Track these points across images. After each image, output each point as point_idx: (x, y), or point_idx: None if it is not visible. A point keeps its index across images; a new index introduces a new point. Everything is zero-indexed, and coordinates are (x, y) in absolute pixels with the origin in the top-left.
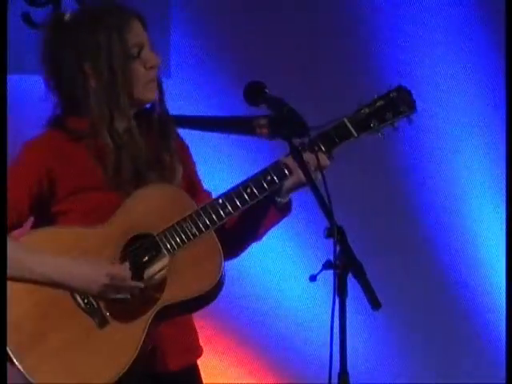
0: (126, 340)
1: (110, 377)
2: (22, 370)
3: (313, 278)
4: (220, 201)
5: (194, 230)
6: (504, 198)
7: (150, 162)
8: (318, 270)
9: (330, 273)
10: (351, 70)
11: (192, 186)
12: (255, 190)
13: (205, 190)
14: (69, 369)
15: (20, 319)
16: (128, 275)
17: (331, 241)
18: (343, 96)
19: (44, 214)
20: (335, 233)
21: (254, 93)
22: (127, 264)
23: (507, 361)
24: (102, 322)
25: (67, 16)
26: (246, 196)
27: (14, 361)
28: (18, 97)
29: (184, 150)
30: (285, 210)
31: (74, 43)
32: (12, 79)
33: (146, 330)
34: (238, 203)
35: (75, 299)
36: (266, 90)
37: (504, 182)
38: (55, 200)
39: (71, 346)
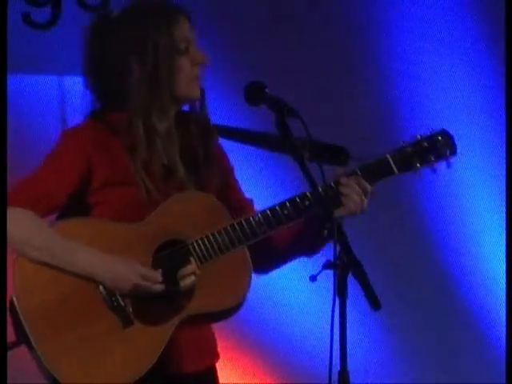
0: (148, 344)
1: (128, 378)
2: (40, 356)
3: (313, 278)
4: (257, 218)
5: (228, 243)
6: (504, 199)
7: (184, 164)
8: (318, 270)
9: (330, 273)
10: (354, 71)
11: (229, 192)
12: (292, 213)
13: (245, 198)
14: (88, 364)
15: (45, 305)
16: (159, 279)
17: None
18: (345, 97)
19: (78, 203)
20: (335, 233)
21: (254, 93)
22: (160, 269)
23: (507, 361)
24: (127, 322)
25: (113, 13)
26: (282, 217)
27: (33, 346)
28: (18, 97)
29: (222, 155)
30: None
31: (122, 35)
32: (12, 79)
33: (168, 337)
34: (275, 223)
35: (102, 295)
36: (267, 90)
37: (504, 182)
38: (90, 190)
39: (93, 342)
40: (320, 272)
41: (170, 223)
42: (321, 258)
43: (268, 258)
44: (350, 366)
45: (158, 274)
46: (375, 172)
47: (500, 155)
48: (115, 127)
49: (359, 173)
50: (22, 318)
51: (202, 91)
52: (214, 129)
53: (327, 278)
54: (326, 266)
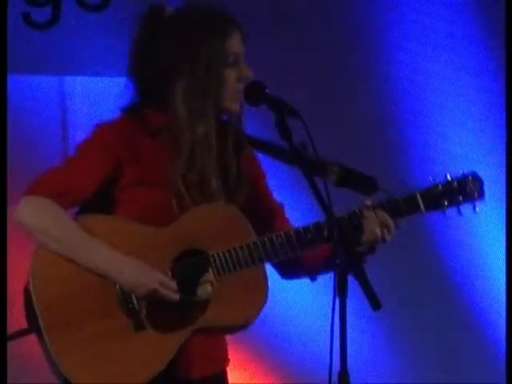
0: (157, 350)
1: (135, 381)
2: (49, 348)
3: (313, 278)
4: (279, 239)
5: (248, 260)
6: (504, 201)
7: (217, 172)
8: None
9: (330, 273)
10: (354, 72)
11: (259, 198)
12: (316, 237)
13: (275, 204)
14: (95, 362)
15: (60, 299)
16: (175, 289)
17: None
18: (345, 97)
19: (105, 198)
20: (335, 233)
21: (254, 93)
22: (176, 278)
23: (507, 361)
24: (139, 326)
25: (168, 11)
26: (305, 241)
27: (44, 338)
28: (17, 97)
29: (254, 162)
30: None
31: (175, 39)
32: (12, 79)
33: (178, 346)
34: (298, 247)
35: (118, 296)
36: (267, 90)
37: (504, 184)
38: (118, 187)
39: (102, 340)
40: None
41: (193, 232)
42: None
43: (294, 269)
44: (350, 367)
45: (174, 284)
46: (403, 208)
47: (500, 157)
48: (151, 127)
49: (386, 206)
50: (36, 308)
51: (241, 105)
52: (248, 142)
53: (327, 278)
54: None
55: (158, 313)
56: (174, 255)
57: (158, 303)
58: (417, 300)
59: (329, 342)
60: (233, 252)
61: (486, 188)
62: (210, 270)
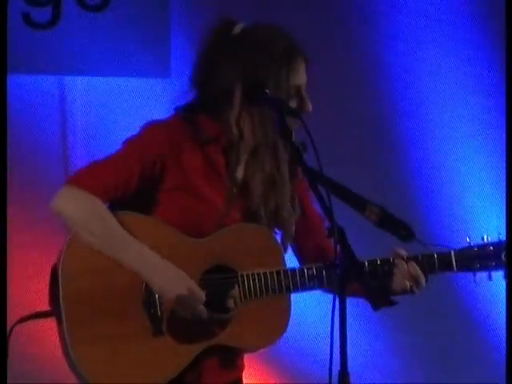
0: (171, 359)
1: None
2: (66, 338)
3: None
4: (310, 272)
5: (275, 287)
6: (504, 203)
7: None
8: None
9: None
10: (355, 73)
11: (304, 215)
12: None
13: (319, 216)
14: (108, 360)
15: (86, 292)
16: (203, 300)
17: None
18: (345, 97)
19: (145, 197)
20: (335, 233)
21: (254, 93)
22: (205, 281)
23: (507, 361)
24: (157, 332)
25: (237, 28)
26: (333, 277)
27: (63, 326)
28: (18, 97)
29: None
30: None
31: (241, 61)
32: (12, 79)
33: (192, 358)
34: (326, 282)
35: (143, 299)
36: (266, 90)
37: (504, 185)
38: (159, 188)
39: (119, 340)
40: None
41: (226, 249)
42: None
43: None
44: (350, 367)
45: (203, 295)
46: (436, 264)
47: (500, 158)
48: (202, 135)
49: (419, 260)
50: (60, 296)
51: (303, 121)
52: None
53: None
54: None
55: (178, 322)
56: (204, 268)
57: (181, 312)
58: (417, 300)
59: (329, 342)
60: (262, 275)
61: (486, 189)
62: (237, 288)
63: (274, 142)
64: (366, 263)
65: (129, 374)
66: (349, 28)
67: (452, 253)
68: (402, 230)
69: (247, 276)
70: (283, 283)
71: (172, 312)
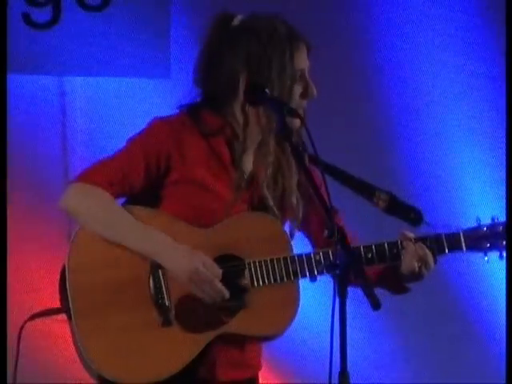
0: (181, 349)
1: (153, 377)
2: (75, 332)
3: (313, 279)
4: (317, 257)
5: (284, 273)
6: (504, 203)
7: (270, 183)
8: None
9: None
10: (355, 73)
11: (316, 208)
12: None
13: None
14: (117, 351)
15: (94, 285)
16: (220, 275)
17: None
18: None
19: (150, 193)
20: (335, 233)
21: (254, 93)
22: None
23: (507, 361)
24: (166, 323)
25: (236, 20)
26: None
27: (72, 320)
28: (18, 97)
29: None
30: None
31: (244, 49)
32: (12, 79)
33: (202, 348)
34: (334, 266)
35: (150, 290)
36: (266, 90)
37: (504, 185)
38: (164, 183)
39: (129, 331)
40: None
41: (232, 238)
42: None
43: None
44: (350, 367)
45: (219, 270)
46: (445, 245)
47: (500, 158)
48: (205, 128)
49: (428, 241)
50: (68, 291)
51: (302, 120)
52: (303, 154)
53: (327, 279)
54: (327, 266)
55: (187, 312)
56: (212, 258)
57: (190, 301)
58: (418, 300)
59: (329, 341)
60: (269, 262)
61: (486, 189)
62: (245, 276)
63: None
64: (374, 247)
65: (138, 364)
66: (350, 24)
67: (461, 233)
68: (411, 214)
69: (254, 263)
70: (290, 269)
71: (180, 301)
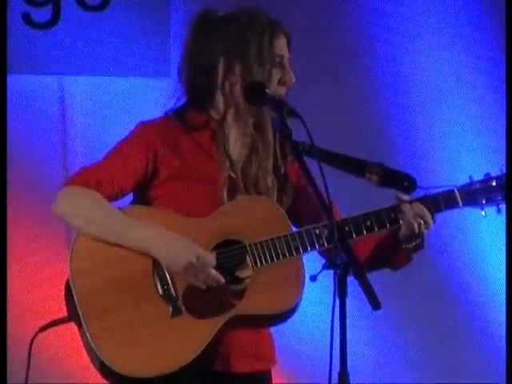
0: (193, 336)
1: (169, 367)
2: (87, 335)
3: (313, 278)
4: (317, 231)
5: (285, 250)
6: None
7: (269, 172)
8: (318, 270)
9: (330, 273)
10: (356, 72)
11: (306, 199)
12: (353, 230)
13: (324, 201)
14: (131, 346)
15: (98, 286)
16: (213, 263)
17: None
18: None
19: (142, 195)
20: (335, 233)
21: (254, 93)
22: (215, 254)
23: (507, 361)
24: (176, 312)
25: (217, 14)
26: (340, 233)
27: (83, 325)
28: (18, 97)
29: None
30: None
31: (222, 35)
32: (12, 79)
33: (214, 332)
34: (334, 236)
35: (155, 283)
36: (267, 90)
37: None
38: (155, 183)
39: (139, 326)
40: (320, 272)
41: (230, 223)
42: (321, 258)
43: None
44: (350, 367)
45: (212, 260)
46: (441, 203)
47: (500, 157)
48: (190, 124)
49: (423, 200)
50: (75, 295)
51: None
52: (290, 143)
53: (327, 278)
54: (326, 265)
55: (194, 299)
56: (211, 245)
57: (196, 288)
58: (418, 300)
59: (328, 342)
60: (270, 242)
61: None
62: (247, 259)
63: (258, 114)
64: (372, 214)
65: (153, 356)
66: (351, 23)
67: (455, 189)
68: (404, 182)
69: (255, 245)
70: (292, 246)
71: (186, 290)
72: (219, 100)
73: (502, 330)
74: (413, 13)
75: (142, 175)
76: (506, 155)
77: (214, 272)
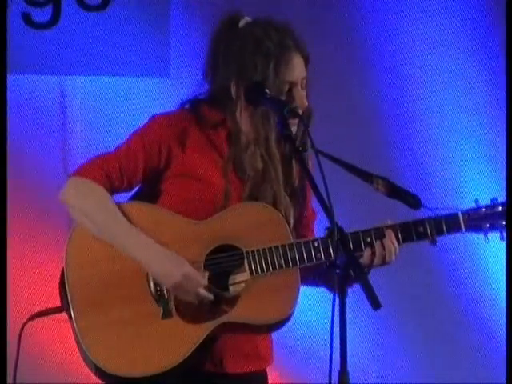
0: (182, 339)
1: (155, 369)
2: (76, 329)
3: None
4: (316, 243)
5: (282, 261)
6: (505, 200)
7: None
8: None
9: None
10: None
11: (305, 206)
12: (352, 247)
13: (312, 211)
14: (119, 345)
15: (91, 280)
16: (203, 283)
17: None
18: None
19: (149, 188)
20: (335, 233)
21: (254, 93)
22: (207, 273)
23: (507, 361)
24: (166, 314)
25: (242, 22)
26: (340, 249)
27: (72, 318)
28: (18, 97)
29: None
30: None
31: (234, 58)
32: (12, 79)
33: (204, 337)
34: (332, 253)
35: (148, 283)
36: (267, 90)
37: (504, 185)
38: (163, 178)
39: (129, 324)
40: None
41: (229, 228)
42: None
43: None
44: (350, 367)
45: (202, 279)
46: (444, 227)
47: (500, 156)
48: (205, 122)
49: (426, 223)
50: (67, 287)
51: (302, 120)
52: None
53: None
54: (327, 266)
55: (186, 304)
56: (209, 249)
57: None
58: (418, 300)
59: (329, 341)
60: (267, 250)
61: (487, 189)
62: (244, 265)
63: (266, 137)
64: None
65: (140, 357)
66: (351, 22)
67: (459, 214)
68: (409, 199)
69: (252, 252)
70: (289, 257)
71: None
72: (231, 111)
73: (503, 330)
74: (414, 15)
75: (153, 167)
76: (506, 154)
77: (202, 291)
